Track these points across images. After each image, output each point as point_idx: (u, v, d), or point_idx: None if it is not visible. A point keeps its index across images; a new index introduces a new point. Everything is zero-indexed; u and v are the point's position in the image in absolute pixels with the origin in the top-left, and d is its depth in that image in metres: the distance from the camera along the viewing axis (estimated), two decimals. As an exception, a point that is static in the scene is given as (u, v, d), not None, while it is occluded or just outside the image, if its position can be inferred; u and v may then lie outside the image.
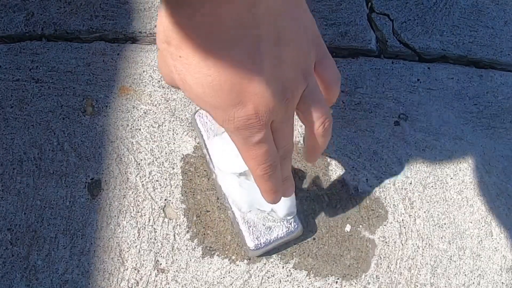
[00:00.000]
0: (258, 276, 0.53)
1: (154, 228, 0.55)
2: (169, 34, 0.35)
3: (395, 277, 0.54)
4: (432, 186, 0.59)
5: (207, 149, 0.56)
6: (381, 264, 0.55)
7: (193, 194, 0.57)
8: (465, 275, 0.55)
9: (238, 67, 0.34)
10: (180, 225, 0.55)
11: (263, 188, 0.43)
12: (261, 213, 0.53)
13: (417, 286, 0.54)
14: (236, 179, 0.53)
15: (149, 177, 0.57)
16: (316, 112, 0.41)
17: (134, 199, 0.56)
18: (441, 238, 0.56)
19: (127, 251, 0.54)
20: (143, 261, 0.53)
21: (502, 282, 0.55)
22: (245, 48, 0.34)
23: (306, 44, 0.38)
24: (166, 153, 0.58)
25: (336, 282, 0.54)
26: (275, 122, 0.38)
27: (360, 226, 0.56)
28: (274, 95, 0.36)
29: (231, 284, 0.53)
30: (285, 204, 0.52)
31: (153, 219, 0.55)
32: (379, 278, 0.54)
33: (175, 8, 0.33)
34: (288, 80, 0.37)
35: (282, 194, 0.45)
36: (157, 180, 0.57)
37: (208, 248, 0.54)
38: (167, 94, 0.61)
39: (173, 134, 0.59)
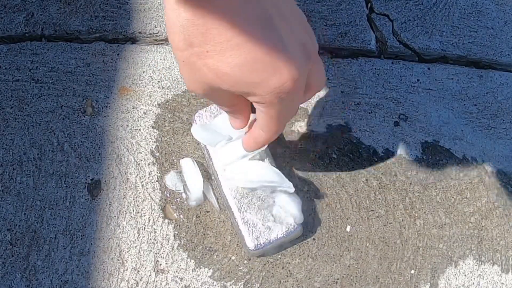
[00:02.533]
0: (258, 276, 0.53)
1: (154, 229, 0.55)
2: (190, 34, 0.36)
3: (395, 277, 0.54)
4: (432, 186, 0.59)
5: (206, 150, 0.56)
6: (381, 264, 0.55)
7: (193, 195, 0.57)
8: (465, 275, 0.55)
9: (262, 39, 0.37)
10: (180, 226, 0.55)
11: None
12: (262, 211, 0.53)
13: (417, 286, 0.54)
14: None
15: (149, 177, 0.57)
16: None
17: (134, 199, 0.56)
18: (441, 238, 0.56)
19: (127, 252, 0.54)
20: (143, 261, 0.53)
21: (502, 283, 0.55)
22: (260, 20, 0.37)
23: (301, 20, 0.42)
24: (166, 153, 0.58)
25: (336, 282, 0.54)
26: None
27: (360, 226, 0.56)
28: (300, 58, 0.39)
29: (230, 285, 0.53)
30: (295, 207, 0.52)
31: (153, 220, 0.55)
32: (379, 278, 0.54)
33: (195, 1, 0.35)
34: (305, 43, 0.40)
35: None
36: (157, 181, 0.57)
37: (208, 248, 0.54)
38: (167, 94, 0.61)
39: (173, 134, 0.59)
